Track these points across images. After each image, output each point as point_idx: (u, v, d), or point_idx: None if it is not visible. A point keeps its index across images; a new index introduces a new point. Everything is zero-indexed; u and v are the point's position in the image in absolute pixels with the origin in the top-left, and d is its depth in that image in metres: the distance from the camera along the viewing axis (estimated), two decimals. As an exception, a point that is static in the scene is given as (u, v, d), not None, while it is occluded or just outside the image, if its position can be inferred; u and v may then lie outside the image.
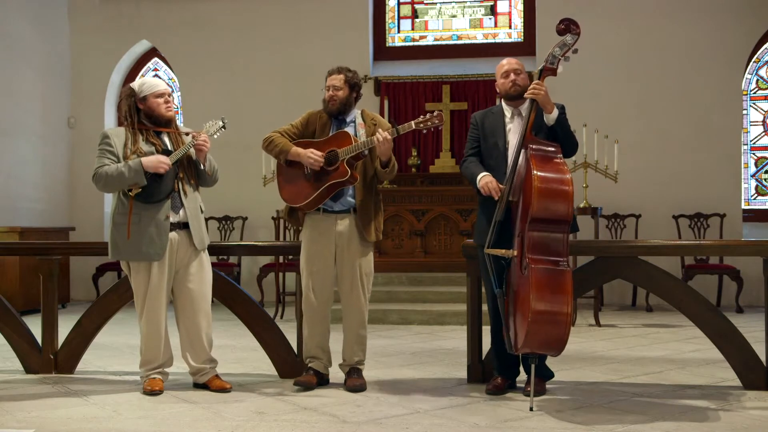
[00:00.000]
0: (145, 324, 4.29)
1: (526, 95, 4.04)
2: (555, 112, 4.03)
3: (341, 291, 4.41)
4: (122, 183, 4.17)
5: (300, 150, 4.32)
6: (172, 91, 4.45)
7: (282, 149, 4.36)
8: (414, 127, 4.25)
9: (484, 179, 4.11)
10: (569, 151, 4.12)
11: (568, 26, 4.03)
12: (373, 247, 4.46)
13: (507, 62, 4.25)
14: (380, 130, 4.28)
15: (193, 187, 4.35)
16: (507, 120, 4.23)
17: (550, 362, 4.31)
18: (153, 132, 4.31)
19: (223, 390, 4.28)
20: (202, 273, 4.36)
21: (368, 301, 4.44)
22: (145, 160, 4.14)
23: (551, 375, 4.29)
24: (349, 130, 4.37)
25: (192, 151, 4.29)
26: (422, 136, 9.17)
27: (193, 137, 4.27)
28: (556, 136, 4.04)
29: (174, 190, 4.25)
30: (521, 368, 4.29)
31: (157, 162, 4.14)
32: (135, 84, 4.36)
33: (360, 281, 4.36)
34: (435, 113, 4.28)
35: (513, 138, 4.16)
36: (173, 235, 4.24)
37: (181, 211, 4.28)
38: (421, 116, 4.30)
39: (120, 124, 4.41)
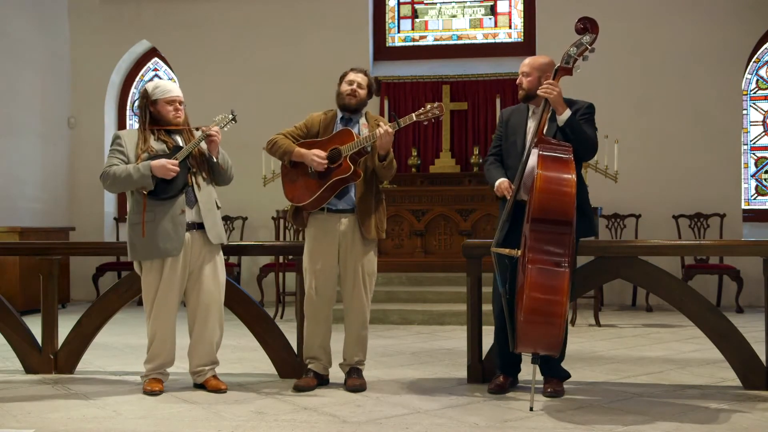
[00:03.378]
0: (155, 324, 4.28)
1: (539, 92, 4.01)
2: (566, 114, 3.99)
3: (343, 290, 4.41)
4: (129, 185, 4.19)
5: (303, 150, 4.32)
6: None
7: (286, 150, 4.36)
8: (415, 119, 4.26)
9: (498, 183, 4.15)
10: (583, 154, 4.08)
11: (586, 26, 4.01)
12: (375, 247, 4.46)
13: (522, 63, 4.24)
14: (382, 123, 4.31)
15: (206, 180, 4.34)
16: (529, 119, 4.23)
17: (564, 362, 4.28)
18: (164, 131, 4.32)
19: (218, 390, 4.27)
20: (216, 275, 4.35)
21: (370, 301, 4.44)
22: (153, 164, 4.13)
23: (568, 375, 4.27)
24: (353, 129, 4.38)
25: (203, 145, 4.29)
26: (422, 136, 9.17)
27: (203, 131, 4.27)
28: (568, 137, 4.02)
29: (188, 185, 4.25)
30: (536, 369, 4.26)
31: (165, 169, 4.12)
32: (150, 85, 4.36)
33: (362, 281, 4.36)
34: (435, 104, 4.28)
35: (529, 138, 4.16)
36: (187, 234, 4.23)
37: (195, 207, 4.27)
38: (422, 108, 4.30)
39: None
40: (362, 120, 4.45)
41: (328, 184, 4.26)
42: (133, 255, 4.28)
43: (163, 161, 4.15)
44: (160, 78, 9.88)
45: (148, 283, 4.27)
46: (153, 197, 4.17)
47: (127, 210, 4.32)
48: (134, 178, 4.14)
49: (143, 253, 4.22)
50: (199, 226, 4.28)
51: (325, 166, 4.26)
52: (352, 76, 4.42)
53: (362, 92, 4.41)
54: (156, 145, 4.25)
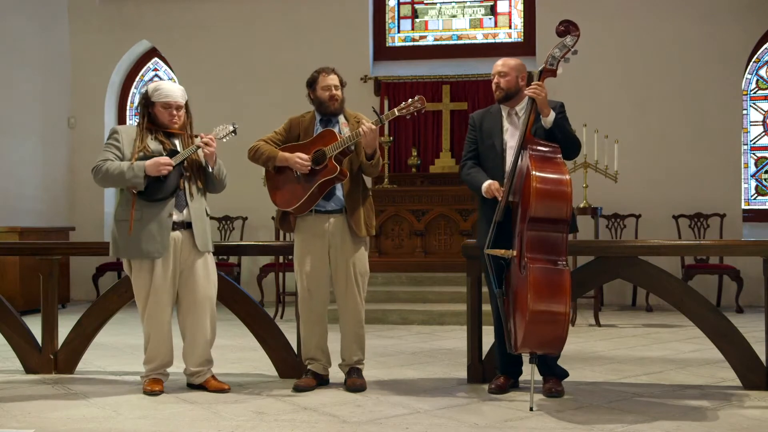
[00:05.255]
0: (149, 324, 4.28)
1: (526, 93, 4.02)
2: (551, 116, 4.02)
3: (336, 291, 4.41)
4: (120, 182, 4.19)
5: (287, 154, 4.32)
6: (187, 102, 4.40)
7: (269, 156, 4.36)
8: (397, 113, 4.24)
9: (486, 186, 4.13)
10: (570, 153, 4.11)
11: (567, 28, 4.03)
12: (366, 245, 4.45)
13: (495, 64, 4.26)
14: (364, 122, 4.29)
15: (199, 189, 4.33)
16: (504, 120, 4.24)
17: (561, 361, 4.28)
18: (163, 132, 4.30)
19: (221, 391, 4.27)
20: (207, 275, 4.34)
21: (365, 300, 4.43)
22: (147, 164, 4.11)
23: (566, 374, 4.27)
24: (334, 129, 4.37)
25: (200, 153, 4.27)
26: (422, 136, 9.16)
27: (201, 137, 4.25)
28: (555, 137, 4.04)
29: (179, 189, 4.24)
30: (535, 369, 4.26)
31: (157, 166, 4.11)
32: (151, 86, 4.33)
33: (354, 280, 4.35)
34: (416, 97, 4.26)
35: (510, 139, 4.17)
36: (176, 234, 4.23)
37: (185, 211, 4.27)
38: (403, 102, 4.29)
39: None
40: (341, 119, 4.44)
41: (315, 186, 4.25)
42: (114, 251, 4.27)
43: (156, 159, 4.13)
44: (160, 78, 9.88)
45: (138, 284, 4.27)
46: (143, 197, 4.16)
47: (115, 206, 4.32)
48: (126, 176, 4.13)
49: (124, 251, 4.21)
50: (189, 225, 4.28)
51: (309, 168, 4.25)
52: (325, 80, 4.38)
53: (340, 93, 4.40)
54: (153, 145, 4.24)
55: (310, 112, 4.49)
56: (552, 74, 4.03)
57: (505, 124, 4.22)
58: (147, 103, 4.29)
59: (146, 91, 4.33)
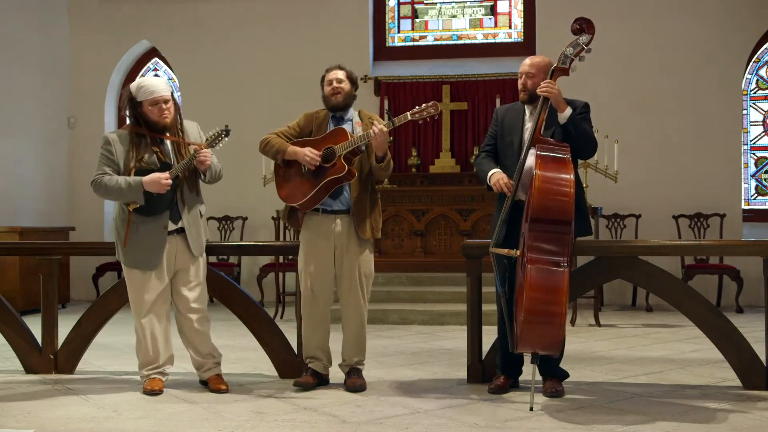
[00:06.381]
0: (144, 325, 4.29)
1: (538, 92, 3.99)
2: (568, 111, 4.00)
3: (340, 292, 4.40)
4: (119, 198, 4.20)
5: (297, 148, 4.30)
6: (172, 92, 4.32)
7: (278, 149, 4.35)
8: (410, 117, 4.23)
9: (495, 176, 4.11)
10: (585, 151, 4.10)
11: (582, 26, 4.02)
12: (372, 247, 4.44)
13: (523, 63, 4.21)
14: (376, 122, 4.29)
15: (193, 196, 4.31)
16: (526, 119, 4.21)
17: (561, 361, 4.27)
18: (157, 139, 4.24)
19: (219, 391, 4.28)
20: (199, 275, 4.36)
21: (368, 301, 4.43)
22: (145, 180, 4.10)
23: (566, 375, 4.27)
24: (347, 128, 4.36)
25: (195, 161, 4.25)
26: (422, 136, 9.17)
27: (195, 150, 4.19)
28: (570, 134, 4.02)
29: (174, 201, 4.23)
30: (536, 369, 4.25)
31: (158, 185, 4.09)
32: (134, 85, 4.23)
33: (359, 282, 4.35)
34: (430, 103, 4.25)
35: (527, 138, 4.14)
36: (171, 239, 4.24)
37: (180, 222, 4.26)
38: (417, 107, 4.28)
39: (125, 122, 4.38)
40: (356, 119, 4.42)
41: (322, 184, 4.24)
42: (117, 255, 4.34)
43: (155, 176, 4.10)
44: (159, 76, 9.85)
45: (131, 284, 4.29)
46: (139, 212, 4.17)
47: (115, 211, 4.35)
48: (125, 191, 4.13)
49: (123, 257, 4.27)
50: (182, 230, 4.28)
51: (318, 162, 4.24)
52: (329, 75, 4.41)
53: (345, 86, 4.38)
54: (147, 157, 4.19)
55: (325, 109, 4.49)
56: (564, 73, 4.02)
57: (527, 123, 4.19)
58: (133, 104, 4.21)
59: (129, 92, 4.22)
